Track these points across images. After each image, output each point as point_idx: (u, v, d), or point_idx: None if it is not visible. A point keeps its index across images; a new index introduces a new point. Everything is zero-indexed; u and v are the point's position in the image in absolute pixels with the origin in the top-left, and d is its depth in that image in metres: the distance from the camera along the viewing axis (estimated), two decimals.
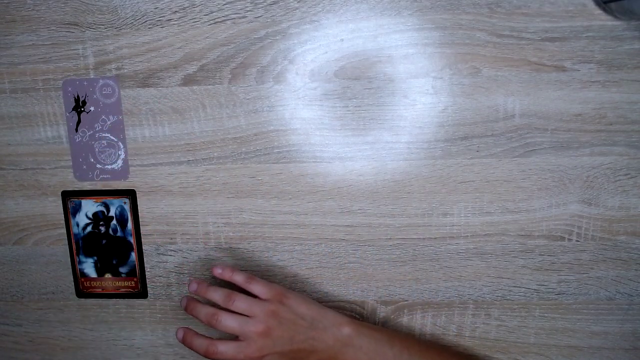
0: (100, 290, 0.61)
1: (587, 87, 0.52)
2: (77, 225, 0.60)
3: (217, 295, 0.49)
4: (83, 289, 0.61)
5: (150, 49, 0.55)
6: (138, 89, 0.56)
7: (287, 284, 0.59)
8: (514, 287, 0.57)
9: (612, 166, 0.53)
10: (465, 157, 0.54)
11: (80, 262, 0.61)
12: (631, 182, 0.53)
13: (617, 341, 0.57)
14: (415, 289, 0.58)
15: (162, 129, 0.56)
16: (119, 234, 0.59)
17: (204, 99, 0.55)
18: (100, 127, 0.57)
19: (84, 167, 0.58)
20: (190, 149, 0.57)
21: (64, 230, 0.60)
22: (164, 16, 0.54)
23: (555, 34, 0.51)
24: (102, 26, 0.55)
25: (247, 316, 0.47)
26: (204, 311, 0.48)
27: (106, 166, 0.58)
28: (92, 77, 0.56)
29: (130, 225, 0.59)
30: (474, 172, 0.54)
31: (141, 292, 0.61)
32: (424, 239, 0.56)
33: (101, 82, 0.56)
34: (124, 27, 0.54)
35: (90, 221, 0.59)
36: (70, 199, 0.59)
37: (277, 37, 0.53)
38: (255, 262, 0.59)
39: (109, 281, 0.61)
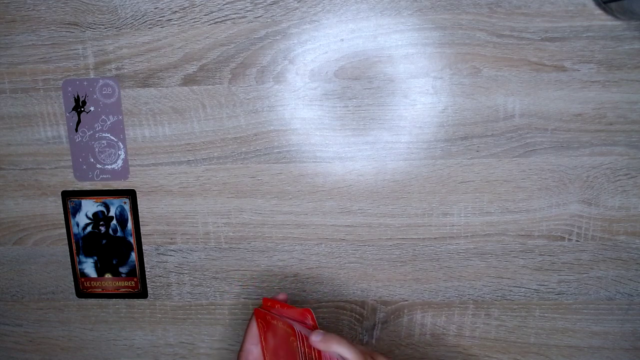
0: (100, 290, 0.61)
1: (587, 87, 0.52)
2: (77, 225, 0.60)
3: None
4: (83, 289, 0.61)
5: (150, 49, 0.55)
6: (138, 89, 0.56)
7: (287, 284, 0.59)
8: (514, 287, 0.57)
9: (612, 166, 0.53)
10: (465, 157, 0.54)
11: (80, 262, 0.61)
12: (631, 182, 0.53)
13: (617, 341, 0.57)
14: (415, 289, 0.58)
15: (162, 129, 0.56)
16: (119, 234, 0.59)
17: (204, 99, 0.55)
18: (100, 127, 0.57)
19: (84, 167, 0.58)
20: (190, 149, 0.57)
21: (64, 230, 0.60)
22: (164, 16, 0.54)
23: (555, 34, 0.51)
24: (102, 26, 0.55)
25: None
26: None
27: (106, 166, 0.58)
28: (92, 77, 0.56)
29: (130, 225, 0.59)
30: (474, 172, 0.55)
31: (141, 292, 0.61)
32: (424, 239, 0.56)
33: (101, 82, 0.56)
34: (124, 27, 0.54)
35: (90, 221, 0.59)
36: (70, 199, 0.59)
37: (277, 37, 0.53)
38: (255, 262, 0.59)
39: (109, 281, 0.61)
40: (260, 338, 0.48)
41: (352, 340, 0.59)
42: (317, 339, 0.43)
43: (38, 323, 0.63)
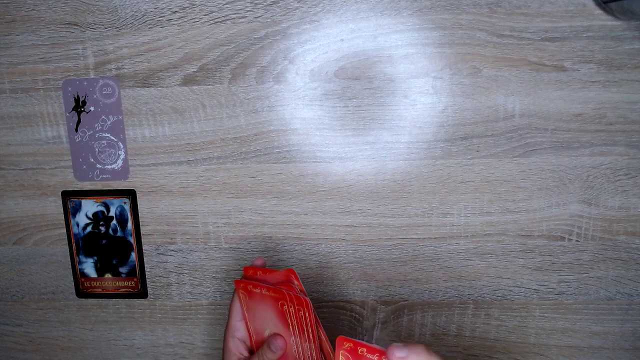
0: (100, 290, 0.61)
1: (587, 87, 0.52)
2: (77, 225, 0.60)
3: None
4: (83, 289, 0.61)
5: (150, 49, 0.55)
6: (138, 89, 0.56)
7: None
8: (514, 287, 0.57)
9: (612, 166, 0.53)
10: (465, 157, 0.54)
11: (80, 262, 0.61)
12: (631, 182, 0.53)
13: (617, 341, 0.57)
14: (415, 289, 0.58)
15: (162, 129, 0.56)
16: (119, 234, 0.59)
17: (204, 99, 0.55)
18: (100, 127, 0.57)
19: (84, 167, 0.58)
20: (190, 149, 0.57)
21: (64, 230, 0.60)
22: (164, 16, 0.54)
23: (555, 34, 0.51)
24: (102, 26, 0.55)
25: None
26: None
27: (106, 166, 0.58)
28: (92, 77, 0.56)
29: (130, 225, 0.59)
30: (474, 172, 0.54)
31: (141, 292, 0.61)
32: (424, 239, 0.56)
33: (101, 82, 0.56)
34: (124, 27, 0.54)
35: (90, 221, 0.59)
36: (70, 199, 0.59)
37: (277, 37, 0.53)
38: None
39: (109, 281, 0.61)
40: (243, 311, 0.47)
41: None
42: (402, 355, 0.34)
43: (38, 323, 0.63)
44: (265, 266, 0.48)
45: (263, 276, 0.47)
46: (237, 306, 0.48)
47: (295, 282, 0.45)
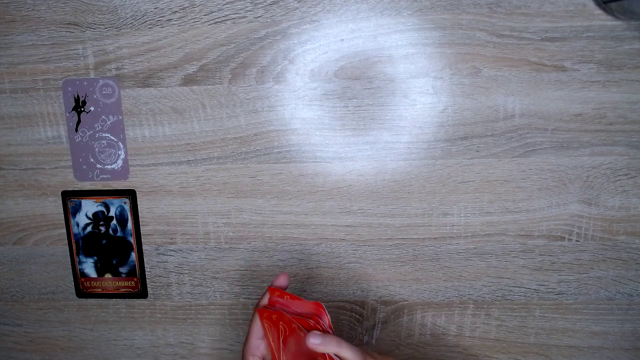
0: (100, 290, 0.61)
1: (587, 87, 0.52)
2: (77, 225, 0.60)
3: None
4: (83, 289, 0.61)
5: (150, 49, 0.55)
6: (138, 89, 0.56)
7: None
8: (514, 287, 0.57)
9: (612, 166, 0.53)
10: (465, 157, 0.54)
11: (80, 262, 0.61)
12: (631, 182, 0.53)
13: (617, 341, 0.57)
14: (415, 289, 0.58)
15: (162, 129, 0.56)
16: (119, 234, 0.59)
17: (204, 99, 0.55)
18: (100, 127, 0.57)
19: (84, 167, 0.58)
20: (190, 149, 0.57)
21: (64, 230, 0.60)
22: (164, 16, 0.54)
23: (555, 34, 0.51)
24: (102, 26, 0.55)
25: None
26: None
27: (106, 166, 0.58)
28: (92, 77, 0.56)
29: (130, 225, 0.59)
30: (474, 172, 0.55)
31: (141, 292, 0.61)
32: (424, 239, 0.56)
33: (101, 82, 0.56)
34: (124, 27, 0.54)
35: (90, 221, 0.59)
36: (70, 199, 0.59)
37: (277, 37, 0.53)
38: (255, 262, 0.59)
39: (109, 281, 0.61)
40: (266, 336, 0.46)
41: (352, 340, 0.59)
42: (315, 342, 0.40)
43: (38, 323, 0.63)
44: (288, 286, 0.47)
45: (290, 302, 0.46)
46: (257, 326, 0.46)
47: (325, 318, 0.44)
